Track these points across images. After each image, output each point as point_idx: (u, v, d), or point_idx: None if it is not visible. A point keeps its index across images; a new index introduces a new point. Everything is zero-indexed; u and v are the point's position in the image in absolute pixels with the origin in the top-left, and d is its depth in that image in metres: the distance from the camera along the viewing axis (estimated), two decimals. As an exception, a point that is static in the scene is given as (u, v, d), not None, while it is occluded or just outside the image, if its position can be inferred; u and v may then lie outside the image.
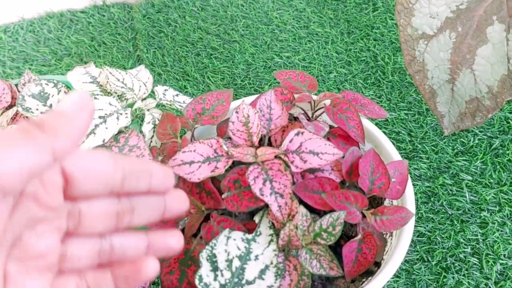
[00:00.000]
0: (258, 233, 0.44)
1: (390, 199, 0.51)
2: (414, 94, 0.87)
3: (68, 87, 0.55)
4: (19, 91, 0.59)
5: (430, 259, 0.68)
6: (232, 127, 0.48)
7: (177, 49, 0.96)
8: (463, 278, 0.66)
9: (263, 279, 0.41)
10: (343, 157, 0.48)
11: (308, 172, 0.48)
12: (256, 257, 0.42)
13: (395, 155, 0.52)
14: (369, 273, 0.48)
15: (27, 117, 0.57)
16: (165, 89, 0.61)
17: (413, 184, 0.73)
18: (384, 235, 0.51)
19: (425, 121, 0.83)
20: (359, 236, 0.46)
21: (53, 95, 0.54)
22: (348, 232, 0.51)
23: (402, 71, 0.91)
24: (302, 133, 0.46)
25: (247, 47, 0.96)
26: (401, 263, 0.68)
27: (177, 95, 0.61)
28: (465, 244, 0.69)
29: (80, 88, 0.53)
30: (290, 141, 0.46)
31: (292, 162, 0.46)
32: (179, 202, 0.30)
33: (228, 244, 0.42)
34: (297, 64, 0.93)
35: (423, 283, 0.66)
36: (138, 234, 0.29)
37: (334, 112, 0.51)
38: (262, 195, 0.43)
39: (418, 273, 0.67)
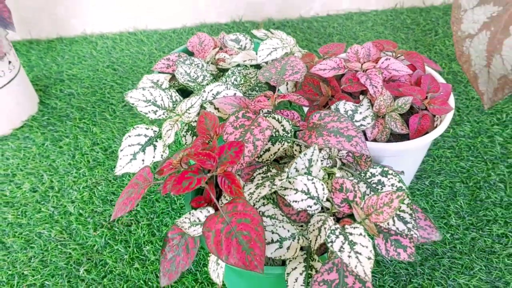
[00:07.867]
0: (361, 104, 0.79)
1: (439, 105, 0.84)
2: (462, 87, 1.20)
3: (251, 38, 0.96)
4: (221, 42, 1.00)
5: (468, 181, 0.98)
6: (348, 54, 0.86)
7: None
8: (491, 194, 0.94)
9: (364, 120, 0.75)
10: (410, 75, 0.84)
11: (391, 81, 0.84)
12: (360, 113, 0.77)
13: (442, 82, 0.86)
14: (424, 141, 0.80)
15: (226, 52, 0.98)
16: (299, 49, 1.00)
17: (459, 140, 1.05)
18: (433, 122, 0.83)
19: (470, 104, 1.15)
20: (420, 114, 0.79)
21: (242, 40, 0.96)
22: (408, 117, 0.84)
23: (454, 74, 1.25)
24: (389, 59, 0.83)
25: (340, 51, 1.35)
26: (446, 183, 0.98)
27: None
28: (494, 176, 0.98)
29: (261, 35, 0.94)
30: (382, 63, 0.83)
31: (382, 73, 0.81)
32: None
33: (345, 106, 0.78)
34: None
35: (462, 195, 0.95)
36: None
37: (408, 57, 0.87)
38: (365, 84, 0.79)
39: (459, 189, 0.96)
